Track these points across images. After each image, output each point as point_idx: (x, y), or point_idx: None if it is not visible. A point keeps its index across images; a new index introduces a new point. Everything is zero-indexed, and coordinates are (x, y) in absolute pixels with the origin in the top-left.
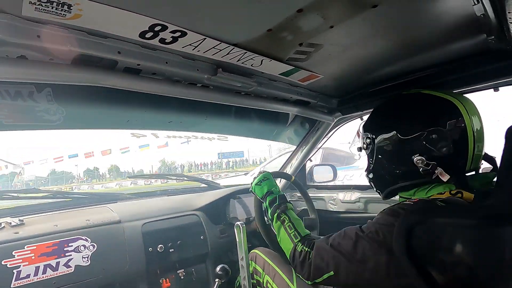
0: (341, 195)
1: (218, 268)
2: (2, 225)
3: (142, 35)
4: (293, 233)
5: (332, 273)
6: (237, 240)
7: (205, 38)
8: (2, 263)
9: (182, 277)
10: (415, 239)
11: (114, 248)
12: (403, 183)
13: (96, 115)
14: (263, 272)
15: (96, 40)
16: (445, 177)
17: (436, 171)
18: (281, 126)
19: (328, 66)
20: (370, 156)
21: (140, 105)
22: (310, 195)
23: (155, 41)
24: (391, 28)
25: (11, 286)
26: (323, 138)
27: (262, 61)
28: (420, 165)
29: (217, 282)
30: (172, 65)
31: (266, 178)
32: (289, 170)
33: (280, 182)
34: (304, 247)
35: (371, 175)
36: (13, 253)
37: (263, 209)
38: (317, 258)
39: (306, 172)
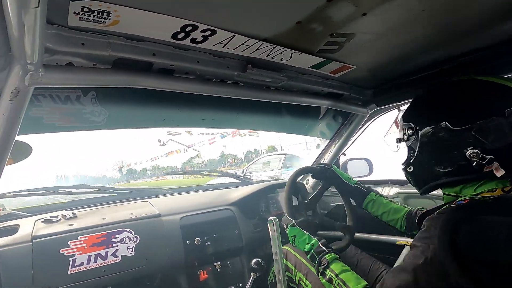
0: (378, 190)
1: (253, 262)
2: (59, 218)
3: (175, 36)
4: None
5: None
6: (270, 234)
7: (234, 35)
8: (60, 251)
9: (218, 270)
10: (461, 236)
11: (155, 240)
12: (449, 178)
13: (135, 115)
14: (294, 269)
15: (133, 44)
16: (500, 173)
17: (491, 166)
18: (312, 120)
19: (361, 56)
20: (411, 148)
21: (175, 104)
22: None
23: (187, 41)
24: (430, 12)
25: (68, 273)
26: (358, 131)
27: (291, 54)
28: (474, 159)
29: (252, 276)
30: (203, 64)
31: (293, 235)
32: None
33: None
34: None
35: (410, 169)
36: (69, 243)
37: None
38: None
39: (340, 167)
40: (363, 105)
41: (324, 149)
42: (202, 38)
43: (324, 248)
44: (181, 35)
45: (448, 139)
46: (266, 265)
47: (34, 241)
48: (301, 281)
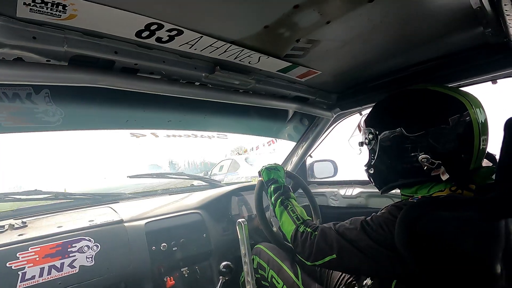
0: (342, 191)
1: (222, 265)
2: (6, 228)
3: (139, 34)
4: (296, 216)
5: (334, 256)
6: (239, 237)
7: (201, 36)
8: (7, 265)
9: (186, 275)
10: (416, 231)
11: (117, 248)
12: (405, 180)
13: (95, 115)
14: (267, 267)
15: (92, 40)
16: (445, 176)
17: (439, 170)
18: (280, 123)
19: (326, 62)
20: (372, 151)
21: (139, 105)
22: (311, 191)
23: (152, 40)
24: (388, 23)
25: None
26: (323, 134)
27: (259, 58)
28: (425, 163)
29: (221, 280)
30: (169, 64)
31: (277, 169)
32: (289, 167)
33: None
34: (307, 228)
35: (371, 170)
36: (18, 255)
37: (267, 194)
38: (320, 240)
39: (307, 168)
40: (328, 109)
41: (291, 151)
42: (168, 38)
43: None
44: (145, 34)
45: (403, 143)
46: (236, 268)
47: None
48: (273, 279)
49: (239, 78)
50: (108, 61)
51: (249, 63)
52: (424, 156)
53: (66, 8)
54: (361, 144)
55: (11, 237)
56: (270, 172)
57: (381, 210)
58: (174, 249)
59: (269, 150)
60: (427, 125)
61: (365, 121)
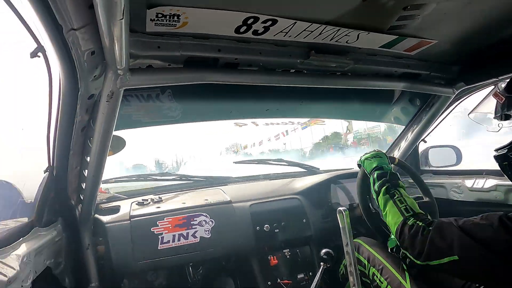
0: (468, 182)
1: (322, 252)
2: (148, 201)
3: (237, 30)
4: (404, 207)
5: (456, 257)
6: (340, 226)
7: (295, 22)
8: (151, 229)
9: (288, 256)
10: None
11: (228, 225)
12: None
13: (205, 108)
14: (367, 264)
15: (200, 42)
16: None
17: None
18: (385, 105)
19: (443, 28)
20: None
21: (240, 97)
22: (425, 181)
23: (249, 34)
24: None
25: (158, 248)
26: (440, 114)
27: (358, 35)
28: None
29: (322, 266)
30: (265, 55)
31: (379, 156)
32: (396, 153)
33: None
34: (418, 222)
35: None
36: (157, 223)
37: (370, 182)
38: (436, 237)
39: (419, 156)
40: (447, 85)
41: (399, 136)
42: (263, 29)
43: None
44: (243, 29)
45: None
46: (337, 257)
47: (131, 219)
48: (375, 276)
49: (336, 60)
50: (214, 59)
51: (346, 42)
52: None
53: (179, 17)
54: (503, 117)
55: (152, 208)
56: (372, 161)
57: None
58: (276, 231)
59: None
60: None
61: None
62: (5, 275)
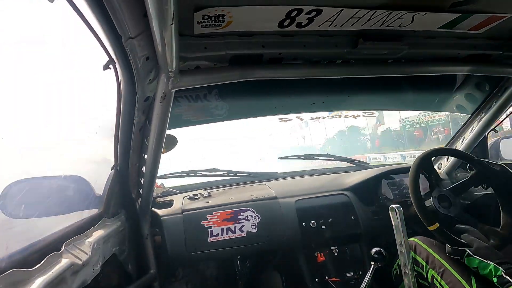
0: None
1: (373, 251)
2: (198, 196)
3: (281, 24)
4: None
5: None
6: (393, 224)
7: (341, 10)
8: (201, 223)
9: (336, 254)
10: None
11: (274, 220)
12: None
13: (250, 105)
14: (426, 265)
15: (245, 40)
16: None
17: None
18: (445, 92)
19: None
20: None
21: (285, 91)
22: None
23: (293, 27)
24: None
25: (208, 241)
26: None
27: (413, 17)
28: None
29: (373, 265)
30: (310, 47)
31: (474, 267)
32: (460, 145)
33: (448, 161)
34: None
35: None
36: (207, 217)
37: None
38: None
39: (488, 148)
40: None
41: (463, 125)
42: (307, 21)
43: (509, 278)
44: (286, 22)
45: None
46: (389, 256)
47: (184, 213)
48: (434, 279)
49: (388, 47)
50: (258, 55)
51: (399, 26)
52: None
53: (224, 17)
54: None
55: (202, 203)
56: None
57: None
58: (322, 227)
59: None
60: None
61: None
62: (80, 259)
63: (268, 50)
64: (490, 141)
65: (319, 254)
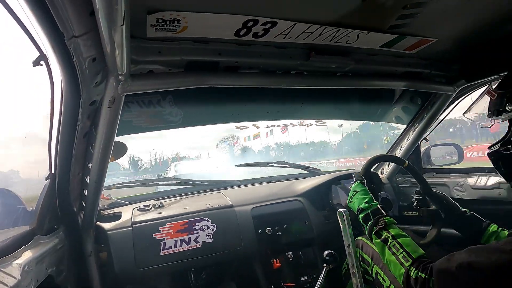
0: (471, 180)
1: (325, 254)
2: (150, 206)
3: (237, 33)
4: (401, 254)
5: None
6: (341, 227)
7: (295, 24)
8: (153, 235)
9: (291, 259)
10: None
11: (230, 229)
12: None
13: (206, 112)
14: (371, 261)
15: (201, 46)
16: None
17: None
18: (385, 105)
19: (443, 26)
20: None
21: (241, 100)
22: (428, 180)
23: (249, 37)
24: None
25: (161, 254)
26: (442, 113)
27: (358, 35)
28: None
29: (325, 267)
30: (265, 57)
31: (356, 190)
32: (398, 152)
33: (389, 167)
34: (420, 273)
35: (510, 149)
36: (159, 229)
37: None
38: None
39: (421, 155)
40: (448, 83)
41: (401, 135)
42: (263, 32)
43: (382, 211)
44: (243, 32)
45: None
46: (340, 257)
47: (133, 226)
48: (378, 275)
49: (336, 61)
50: (214, 63)
51: (346, 42)
52: None
53: (180, 22)
54: (493, 113)
55: (154, 214)
56: (353, 202)
57: None
58: (278, 233)
59: None
60: None
61: (508, 82)
62: (6, 285)
63: (225, 58)
64: (422, 149)
65: (274, 260)
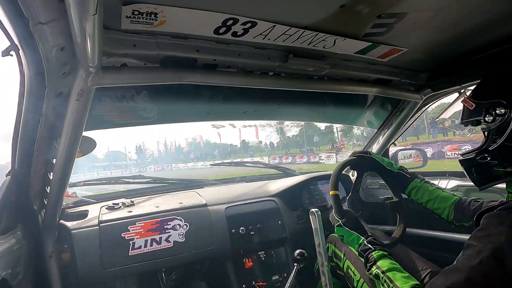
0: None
1: (296, 253)
2: (119, 205)
3: (216, 31)
4: None
5: None
6: (313, 227)
7: (274, 25)
8: (122, 235)
9: (263, 259)
10: None
11: (203, 228)
12: None
13: (182, 110)
14: (343, 257)
15: (178, 42)
16: None
17: None
18: (358, 109)
19: (413, 37)
20: (494, 132)
21: (218, 98)
22: None
23: (228, 35)
24: None
25: (129, 254)
26: (409, 119)
27: (335, 41)
28: None
29: (295, 266)
30: (244, 57)
31: (341, 235)
32: None
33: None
34: None
35: (487, 157)
36: (129, 228)
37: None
38: None
39: (390, 158)
40: (416, 91)
41: (371, 139)
42: (243, 31)
43: (370, 246)
44: (222, 30)
45: None
46: (310, 256)
47: (100, 225)
48: (349, 269)
49: (313, 64)
50: (192, 59)
51: (323, 47)
52: None
53: (157, 15)
54: (472, 123)
55: (124, 213)
56: (351, 248)
57: (479, 226)
58: (251, 233)
59: None
60: None
61: (485, 92)
62: None
63: (203, 55)
64: (391, 153)
65: (247, 260)
